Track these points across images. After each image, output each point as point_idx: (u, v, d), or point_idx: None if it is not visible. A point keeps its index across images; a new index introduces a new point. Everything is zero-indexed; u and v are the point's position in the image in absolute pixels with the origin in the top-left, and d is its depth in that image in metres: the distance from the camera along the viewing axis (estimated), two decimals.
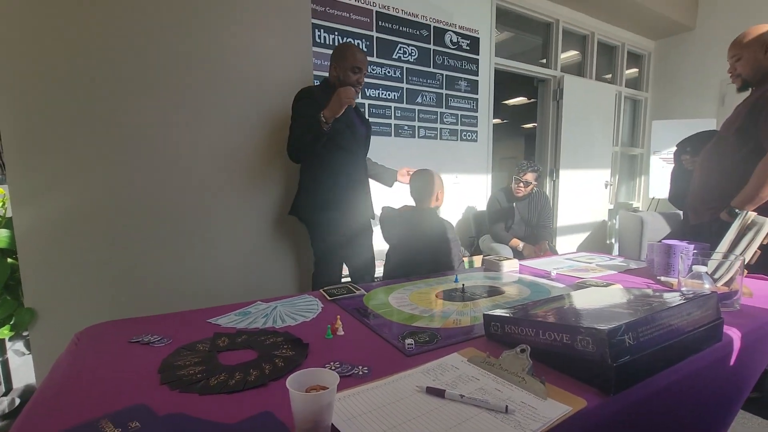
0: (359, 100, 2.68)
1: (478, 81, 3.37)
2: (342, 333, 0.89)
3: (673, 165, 2.18)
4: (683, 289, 0.99)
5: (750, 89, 1.61)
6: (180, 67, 1.60)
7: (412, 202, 1.80)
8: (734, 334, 0.85)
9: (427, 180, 1.73)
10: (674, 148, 2.11)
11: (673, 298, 0.80)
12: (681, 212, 2.22)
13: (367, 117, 2.51)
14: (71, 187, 1.47)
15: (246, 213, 1.81)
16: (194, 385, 0.67)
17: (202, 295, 1.68)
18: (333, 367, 0.72)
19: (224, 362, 0.75)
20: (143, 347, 0.83)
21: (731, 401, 0.93)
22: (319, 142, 1.58)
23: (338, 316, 0.92)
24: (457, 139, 3.31)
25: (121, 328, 0.93)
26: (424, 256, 1.66)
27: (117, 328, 0.93)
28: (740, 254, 1.10)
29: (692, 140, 1.98)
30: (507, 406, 0.57)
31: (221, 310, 1.05)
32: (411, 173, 1.98)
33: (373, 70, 2.80)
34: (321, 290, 1.21)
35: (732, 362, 0.84)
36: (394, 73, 2.93)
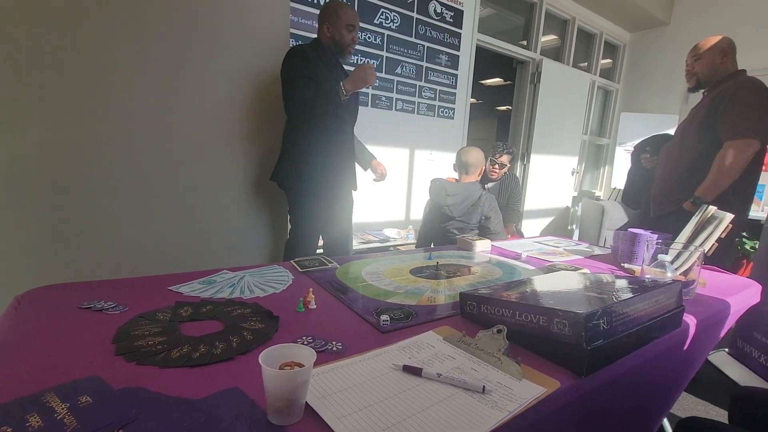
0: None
1: (459, 56, 3.30)
2: (314, 306, 0.85)
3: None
4: (646, 276, 1.03)
5: (702, 93, 1.75)
6: (155, 17, 1.44)
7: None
8: (690, 321, 0.89)
9: (476, 156, 2.02)
10: (638, 141, 2.19)
11: (641, 286, 0.82)
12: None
13: None
14: (17, 132, 1.30)
15: (215, 174, 1.70)
16: (154, 357, 0.62)
17: (162, 261, 1.58)
18: (305, 342, 0.69)
19: (187, 333, 0.70)
20: (95, 314, 0.76)
21: (680, 381, 1.00)
22: (328, 108, 1.55)
23: (311, 289, 0.89)
24: (434, 115, 3.26)
25: (69, 292, 0.85)
26: (469, 223, 1.98)
27: (65, 292, 0.85)
28: (699, 245, 1.16)
29: (651, 141, 2.06)
30: (484, 387, 0.57)
31: (183, 278, 0.98)
32: (380, 168, 1.97)
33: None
34: (292, 261, 1.17)
35: (686, 347, 0.89)
36: (375, 40, 2.80)
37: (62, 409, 0.48)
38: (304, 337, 0.71)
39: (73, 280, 0.92)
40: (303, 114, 1.58)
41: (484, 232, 2.02)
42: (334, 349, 0.68)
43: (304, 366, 0.50)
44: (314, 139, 1.63)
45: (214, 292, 0.91)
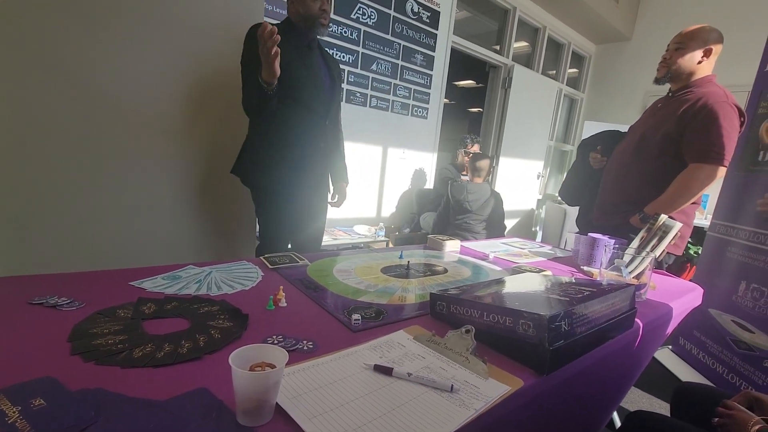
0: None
1: (434, 57, 3.34)
2: (285, 304, 0.84)
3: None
4: (604, 280, 1.09)
5: (668, 91, 1.63)
6: None
7: None
8: (641, 321, 0.96)
9: (486, 162, 2.71)
10: (589, 136, 2.04)
11: (599, 289, 0.87)
12: (569, 205, 2.22)
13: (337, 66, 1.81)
14: None
15: (178, 164, 1.62)
16: (114, 357, 0.59)
17: (121, 254, 1.50)
18: (276, 341, 0.68)
19: (150, 332, 0.68)
20: (48, 310, 0.72)
21: (630, 377, 1.07)
22: (267, 104, 1.35)
23: (281, 287, 0.88)
24: (408, 114, 3.29)
25: (18, 286, 0.80)
26: (482, 215, 2.62)
27: (12, 287, 0.79)
28: (650, 251, 1.24)
29: (603, 139, 1.91)
30: (452, 386, 0.59)
31: (146, 272, 0.94)
32: (342, 196, 1.80)
33: (329, 27, 2.63)
34: (262, 257, 1.14)
35: (636, 346, 0.96)
36: (351, 35, 2.78)
37: (13, 412, 0.45)
38: (274, 336, 0.70)
39: (21, 273, 0.86)
40: (243, 104, 1.42)
41: (490, 222, 2.62)
42: (305, 348, 0.67)
43: (275, 367, 0.49)
44: (275, 130, 1.44)
45: (179, 288, 0.88)
